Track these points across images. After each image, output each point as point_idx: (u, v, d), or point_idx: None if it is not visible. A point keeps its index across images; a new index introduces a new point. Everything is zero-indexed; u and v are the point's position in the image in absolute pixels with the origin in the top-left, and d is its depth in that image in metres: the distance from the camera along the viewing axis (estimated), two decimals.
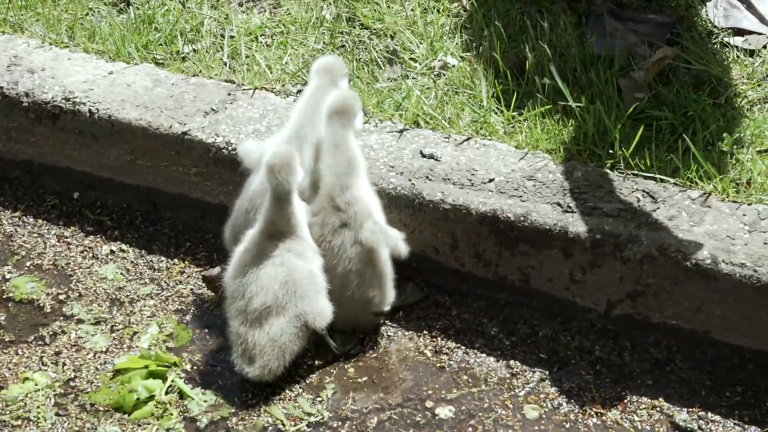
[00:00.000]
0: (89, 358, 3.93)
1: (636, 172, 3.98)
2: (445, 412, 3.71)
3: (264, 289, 3.71)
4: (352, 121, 3.87)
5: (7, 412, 3.75)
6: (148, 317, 4.07)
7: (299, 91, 4.45)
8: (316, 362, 3.87)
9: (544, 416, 3.70)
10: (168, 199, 4.40)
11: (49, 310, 4.10)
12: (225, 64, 4.67)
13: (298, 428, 3.68)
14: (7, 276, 4.24)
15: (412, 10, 4.80)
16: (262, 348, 3.70)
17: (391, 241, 3.84)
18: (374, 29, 4.77)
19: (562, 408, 3.72)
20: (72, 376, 3.87)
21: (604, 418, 3.68)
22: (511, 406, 3.73)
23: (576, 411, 3.70)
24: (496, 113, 4.30)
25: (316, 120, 3.92)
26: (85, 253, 4.35)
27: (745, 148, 4.05)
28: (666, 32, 4.55)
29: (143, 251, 4.34)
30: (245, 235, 3.83)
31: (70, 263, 4.30)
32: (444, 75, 4.50)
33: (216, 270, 4.08)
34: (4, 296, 4.16)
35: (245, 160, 3.97)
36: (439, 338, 3.95)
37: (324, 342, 3.84)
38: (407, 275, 4.09)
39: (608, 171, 3.99)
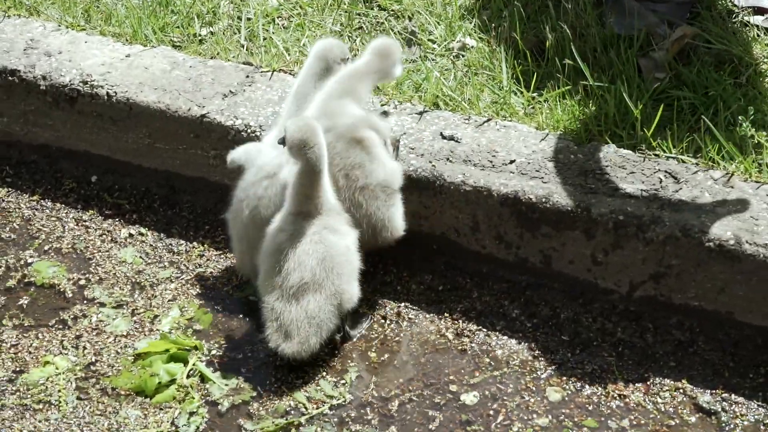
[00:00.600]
0: (110, 342, 3.92)
1: (658, 152, 3.96)
2: (467, 395, 3.70)
3: (301, 265, 3.70)
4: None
5: (29, 396, 3.75)
6: (168, 301, 4.06)
7: None
8: (339, 346, 3.86)
9: (566, 398, 3.69)
10: (187, 182, 4.39)
11: (70, 295, 4.09)
12: (242, 46, 4.65)
13: (320, 411, 3.67)
14: (29, 260, 4.23)
15: None
16: (300, 324, 3.68)
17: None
18: (392, 10, 4.75)
19: (584, 390, 3.70)
20: (93, 360, 3.86)
21: (627, 400, 3.66)
22: (534, 388, 3.72)
23: (599, 393, 3.69)
24: (516, 94, 4.27)
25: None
26: (104, 236, 4.34)
27: (766, 128, 4.02)
28: (686, 11, 4.52)
29: (162, 235, 4.33)
30: (275, 217, 3.81)
31: (89, 247, 4.29)
32: (463, 56, 4.48)
33: None
34: (26, 280, 4.15)
35: (238, 162, 3.99)
36: (460, 321, 3.94)
37: (341, 324, 3.84)
38: (429, 257, 4.08)
39: (630, 151, 3.97)
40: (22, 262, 4.22)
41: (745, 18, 4.50)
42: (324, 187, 3.72)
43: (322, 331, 3.70)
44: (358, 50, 4.56)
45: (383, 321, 3.95)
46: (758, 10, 4.52)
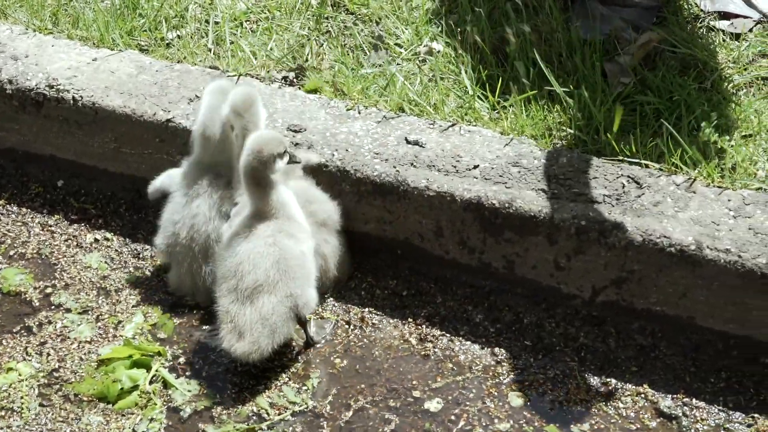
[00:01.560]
0: (74, 348, 3.92)
1: (621, 157, 3.97)
2: (430, 402, 3.71)
3: (255, 267, 3.70)
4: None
5: None
6: (133, 306, 4.06)
7: (284, 78, 4.43)
8: (301, 351, 3.87)
9: (529, 404, 3.70)
10: None
11: (36, 302, 4.08)
12: (209, 50, 4.65)
13: (282, 417, 3.67)
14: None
15: None
16: (253, 324, 3.69)
17: None
18: (359, 14, 4.75)
19: (547, 395, 3.71)
20: (56, 366, 3.86)
21: (588, 405, 3.67)
22: (496, 393, 3.72)
23: (561, 398, 3.70)
24: (481, 99, 4.28)
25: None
26: (69, 241, 4.33)
27: (729, 133, 4.04)
28: (652, 17, 4.54)
29: (128, 240, 4.33)
30: (232, 220, 3.84)
31: (54, 252, 4.28)
32: (429, 60, 4.48)
33: None
34: None
35: (161, 189, 4.08)
36: (423, 326, 3.94)
37: (304, 330, 3.85)
38: (393, 262, 4.09)
39: (593, 156, 3.98)
40: None
41: (711, 23, 4.51)
42: (278, 191, 3.74)
43: (276, 335, 3.71)
44: (324, 54, 4.56)
45: (347, 326, 3.96)
46: (724, 15, 4.53)
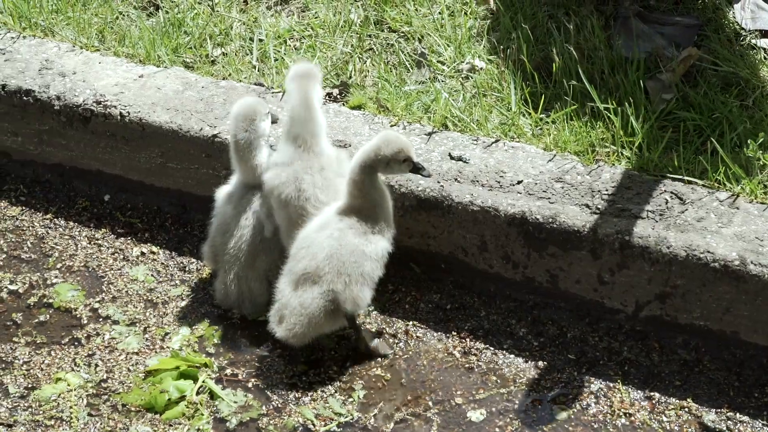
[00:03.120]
0: (121, 360, 3.97)
1: (664, 173, 3.99)
2: (474, 412, 3.74)
3: (310, 254, 3.77)
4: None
5: (41, 412, 3.80)
6: (179, 318, 4.11)
7: (328, 94, 4.48)
8: (347, 363, 3.90)
9: (572, 417, 3.72)
10: (198, 201, 4.43)
11: (84, 315, 4.14)
12: (254, 67, 4.70)
13: (328, 428, 3.71)
14: (54, 280, 4.28)
15: (439, 13, 4.82)
16: (292, 310, 3.75)
17: None
18: (402, 32, 4.80)
19: (590, 409, 3.73)
20: (104, 377, 3.91)
21: (632, 419, 3.69)
22: (540, 407, 3.75)
23: (604, 412, 3.72)
24: (524, 115, 4.31)
25: None
26: (116, 255, 4.39)
27: None
28: (693, 34, 4.56)
29: (174, 253, 4.38)
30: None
31: (101, 265, 4.34)
32: (472, 78, 4.52)
33: None
34: (45, 301, 4.20)
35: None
36: (467, 339, 3.97)
37: (354, 330, 3.91)
38: (437, 276, 4.13)
39: (636, 172, 4.01)
40: (45, 282, 4.28)
41: (752, 41, 4.54)
42: (381, 192, 3.88)
43: (312, 325, 3.77)
44: (368, 71, 4.61)
45: (392, 339, 3.99)
46: (765, 33, 4.55)
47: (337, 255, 3.76)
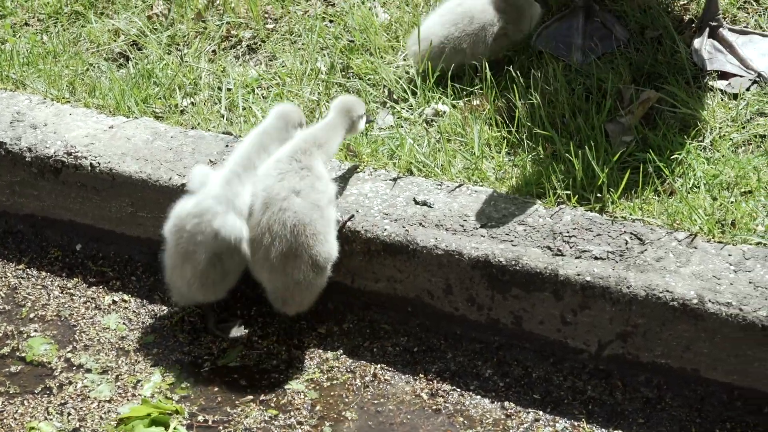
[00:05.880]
0: (94, 408, 4.02)
1: (624, 215, 4.08)
2: None
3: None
4: None
5: None
6: (151, 366, 4.16)
7: None
8: (317, 407, 3.96)
9: None
10: None
11: (57, 364, 4.18)
12: (222, 116, 4.78)
13: None
14: (31, 333, 4.33)
15: (403, 59, 4.91)
16: None
17: None
18: (368, 79, 4.88)
19: None
20: (77, 425, 3.96)
21: None
22: None
23: None
24: (487, 159, 4.40)
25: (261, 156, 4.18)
26: (88, 303, 4.44)
27: (729, 190, 4.15)
28: (612, 46, 4.79)
29: (145, 301, 4.43)
30: None
31: (73, 314, 4.39)
32: (436, 123, 4.61)
33: None
34: (17, 354, 4.25)
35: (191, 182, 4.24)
36: (434, 381, 4.04)
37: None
38: (404, 319, 4.20)
39: (597, 214, 4.10)
40: (19, 333, 4.32)
41: (710, 82, 4.64)
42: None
43: None
44: None
45: (360, 383, 4.05)
46: (721, 75, 4.66)
47: None
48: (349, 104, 4.31)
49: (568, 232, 4.03)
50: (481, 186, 4.29)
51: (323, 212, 4.02)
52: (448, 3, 4.91)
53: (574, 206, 4.14)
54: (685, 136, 4.37)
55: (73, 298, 4.47)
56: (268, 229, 3.99)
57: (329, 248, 4.03)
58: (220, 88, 4.93)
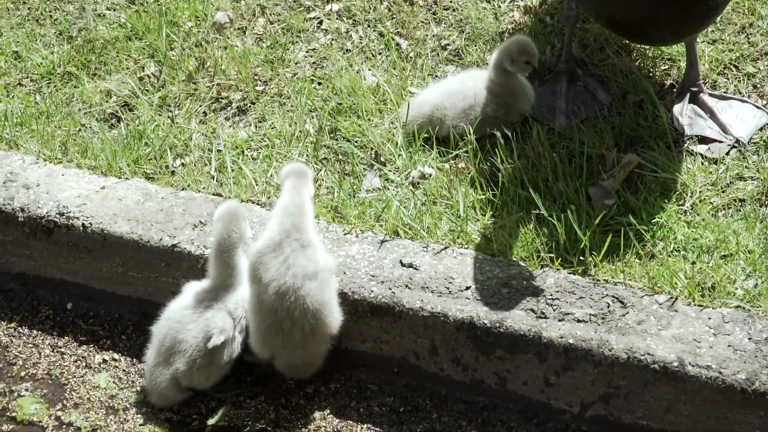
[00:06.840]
0: None
1: (606, 278, 4.17)
2: None
3: None
4: None
5: None
6: (140, 425, 4.21)
7: None
8: None
9: None
10: (158, 308, 4.49)
11: (47, 422, 4.23)
12: (212, 177, 4.86)
13: None
14: (22, 393, 4.39)
15: (390, 122, 5.01)
16: None
17: None
18: (356, 142, 4.97)
19: None
20: None
21: None
22: None
23: None
24: (472, 222, 4.48)
25: None
26: (79, 362, 4.49)
27: (709, 254, 4.24)
28: (595, 109, 4.89)
29: (135, 360, 4.48)
30: None
31: (64, 372, 4.44)
32: (422, 185, 4.69)
33: None
34: (8, 414, 4.30)
35: None
36: None
37: None
38: (390, 379, 4.26)
39: (579, 277, 4.18)
40: (10, 391, 4.38)
41: (690, 147, 4.74)
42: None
43: None
44: (322, 180, 4.78)
45: None
46: (702, 140, 4.76)
47: None
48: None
49: (551, 295, 4.11)
50: (467, 248, 4.37)
51: None
52: (451, 77, 5.12)
53: (558, 269, 4.22)
54: (666, 200, 4.47)
55: (64, 356, 4.53)
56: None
57: None
58: (210, 150, 5.01)
